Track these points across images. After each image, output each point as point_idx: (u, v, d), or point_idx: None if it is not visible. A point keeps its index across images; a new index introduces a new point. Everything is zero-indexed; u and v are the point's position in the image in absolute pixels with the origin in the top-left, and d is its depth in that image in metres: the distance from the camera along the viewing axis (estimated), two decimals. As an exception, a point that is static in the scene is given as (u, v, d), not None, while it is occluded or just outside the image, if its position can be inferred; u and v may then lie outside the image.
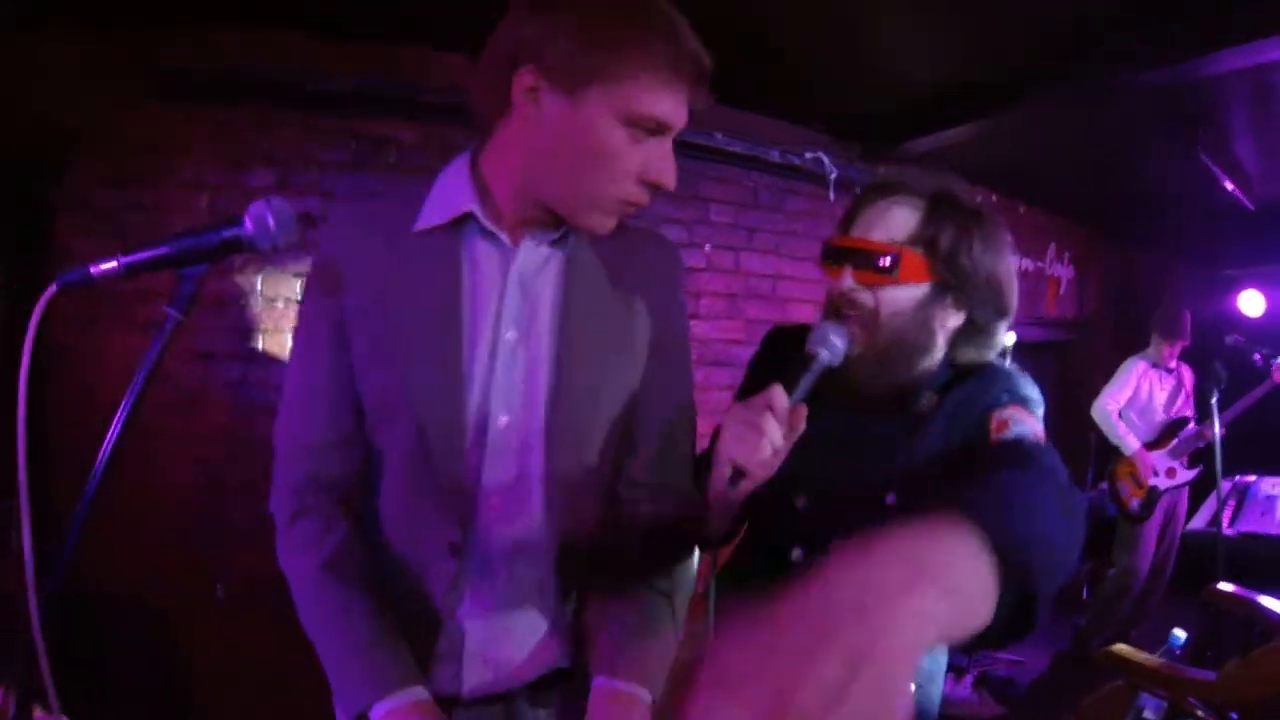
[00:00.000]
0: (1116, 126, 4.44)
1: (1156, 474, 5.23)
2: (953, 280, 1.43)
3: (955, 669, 4.76)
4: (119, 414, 1.05)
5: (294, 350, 1.35)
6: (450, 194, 1.29)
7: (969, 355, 1.52)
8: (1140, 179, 5.58)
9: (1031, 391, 1.49)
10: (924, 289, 1.43)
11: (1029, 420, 1.43)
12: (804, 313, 4.48)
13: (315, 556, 1.26)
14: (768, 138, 4.28)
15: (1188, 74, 3.39)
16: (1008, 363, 1.58)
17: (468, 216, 1.27)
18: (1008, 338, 4.63)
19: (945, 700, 4.20)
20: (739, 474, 1.24)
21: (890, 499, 1.47)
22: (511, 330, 1.28)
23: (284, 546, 1.29)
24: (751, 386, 1.53)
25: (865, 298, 1.42)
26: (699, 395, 1.51)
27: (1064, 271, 6.55)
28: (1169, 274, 6.47)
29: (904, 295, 1.42)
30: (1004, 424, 1.41)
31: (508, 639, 1.35)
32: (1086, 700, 3.01)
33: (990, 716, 4.35)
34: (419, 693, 1.20)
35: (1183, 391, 5.41)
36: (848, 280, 1.43)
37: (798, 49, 3.47)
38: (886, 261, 1.40)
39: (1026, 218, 6.12)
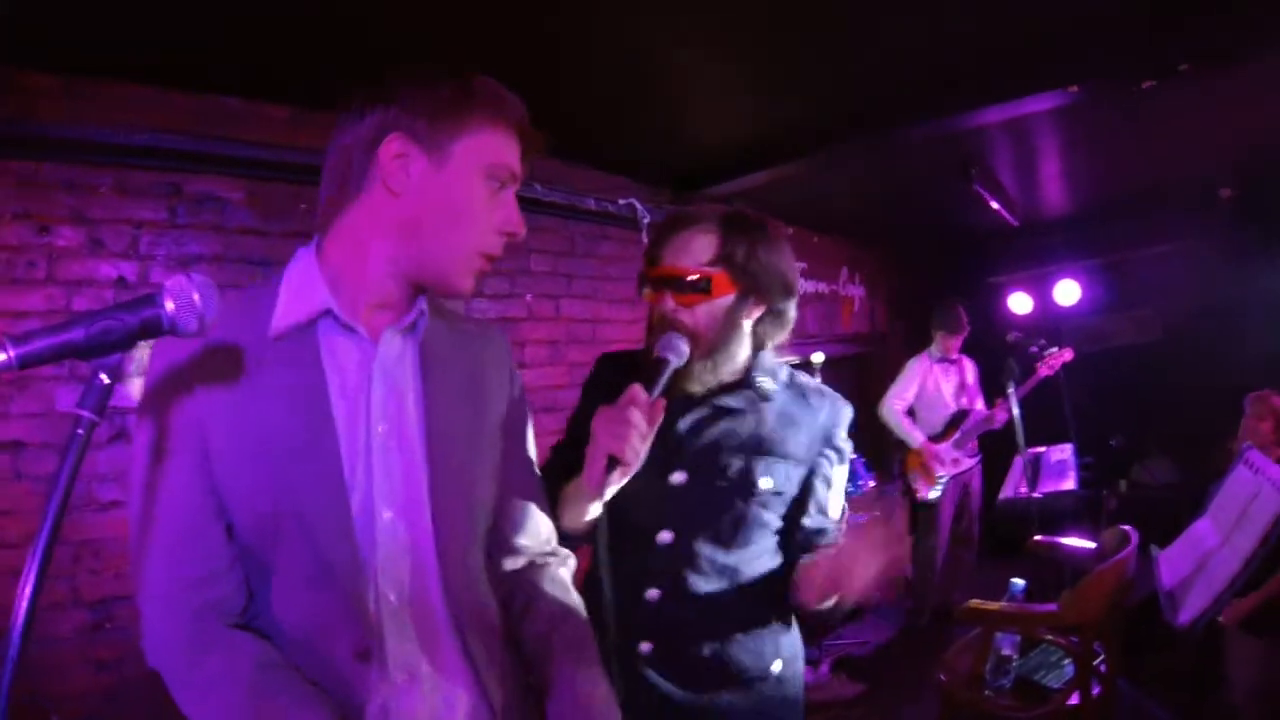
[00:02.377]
0: (899, 169, 4.90)
1: (943, 464, 5.65)
2: (752, 285, 1.69)
3: (809, 661, 4.84)
4: (39, 546, 0.87)
5: (145, 482, 1.20)
6: (302, 291, 1.25)
7: (772, 334, 1.80)
8: (920, 208, 6.08)
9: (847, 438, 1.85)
10: (731, 298, 1.68)
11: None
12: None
13: (240, 682, 1.14)
14: (583, 187, 4.36)
15: (958, 125, 3.86)
16: (817, 378, 1.94)
17: (324, 313, 1.24)
18: (815, 357, 5.04)
19: (808, 687, 4.43)
20: (614, 462, 1.45)
21: (760, 481, 1.72)
22: (382, 424, 1.25)
23: (192, 693, 1.16)
24: (588, 407, 1.70)
25: (685, 316, 1.66)
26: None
27: (856, 291, 7.00)
28: (946, 284, 7.10)
29: (717, 306, 1.68)
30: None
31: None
32: (949, 651, 3.32)
33: (854, 695, 4.56)
34: None
35: (966, 384, 5.87)
36: (669, 303, 1.68)
37: (612, 105, 3.56)
38: (700, 284, 1.66)
39: (819, 245, 6.47)
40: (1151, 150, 4.94)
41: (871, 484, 6.14)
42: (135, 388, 2.80)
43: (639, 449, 1.48)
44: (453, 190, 1.23)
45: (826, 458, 1.78)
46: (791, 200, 5.55)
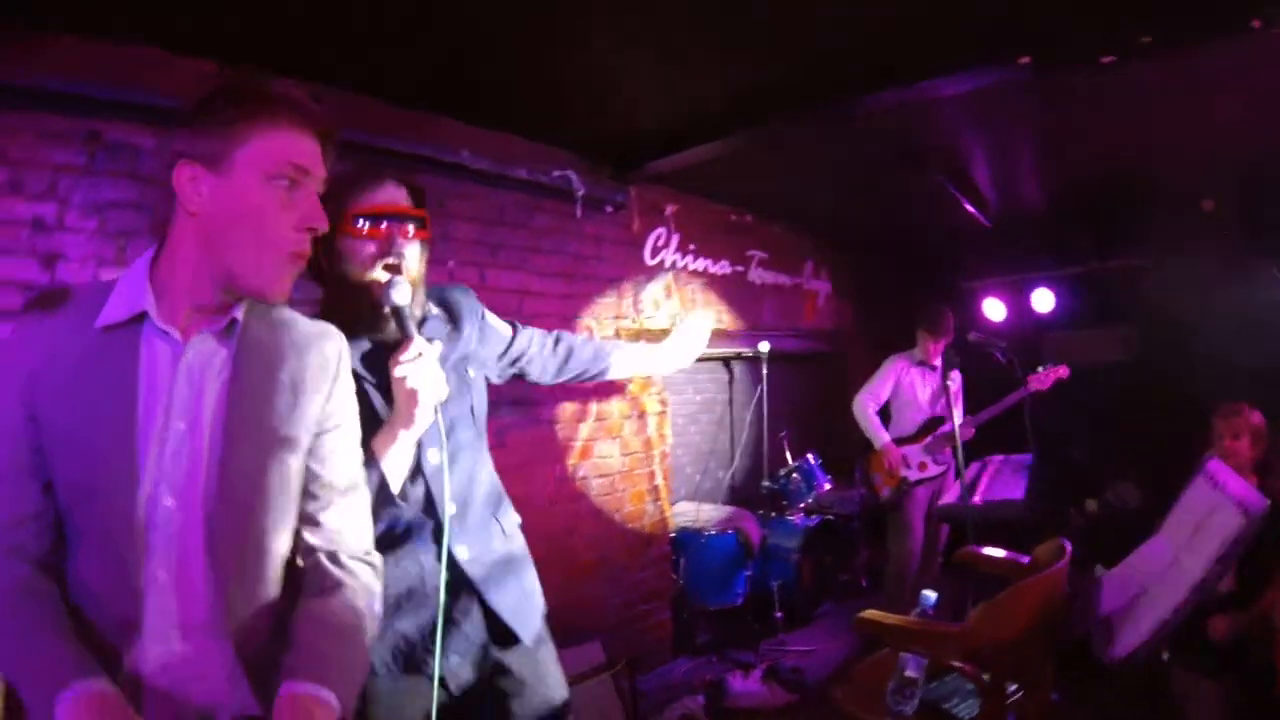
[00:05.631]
0: (856, 149, 4.40)
1: (908, 466, 5.18)
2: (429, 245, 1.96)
3: (743, 665, 4.50)
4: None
5: None
6: (129, 294, 1.33)
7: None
8: (886, 202, 5.59)
9: None
10: (425, 242, 1.94)
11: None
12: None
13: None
14: (515, 156, 4.00)
15: (906, 97, 3.38)
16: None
17: (143, 316, 1.32)
18: (762, 346, 4.58)
19: (736, 694, 4.00)
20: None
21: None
22: (180, 421, 1.32)
23: None
24: None
25: (409, 251, 1.87)
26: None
27: (821, 286, 6.50)
28: (915, 286, 6.56)
29: (422, 247, 1.92)
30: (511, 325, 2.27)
31: (188, 701, 1.32)
32: (854, 667, 2.81)
33: (781, 706, 4.10)
34: (104, 684, 1.18)
35: (950, 390, 5.32)
36: (406, 233, 1.88)
37: (547, 74, 3.34)
38: (424, 221, 1.91)
39: (780, 236, 6.03)
40: (1130, 144, 4.42)
41: (827, 486, 5.64)
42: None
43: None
44: (243, 199, 1.28)
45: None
46: (750, 185, 5.15)
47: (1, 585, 1.25)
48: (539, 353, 2.30)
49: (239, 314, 1.37)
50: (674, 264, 5.10)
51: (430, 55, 3.15)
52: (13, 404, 1.29)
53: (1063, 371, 5.12)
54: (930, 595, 2.69)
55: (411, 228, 1.85)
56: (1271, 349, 5.10)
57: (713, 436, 6.10)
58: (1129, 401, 5.89)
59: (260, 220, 1.29)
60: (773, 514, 5.43)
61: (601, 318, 4.57)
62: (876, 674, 2.66)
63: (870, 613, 2.47)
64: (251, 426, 1.36)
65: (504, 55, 3.15)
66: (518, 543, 2.12)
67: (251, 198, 1.28)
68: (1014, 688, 2.43)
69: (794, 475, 5.58)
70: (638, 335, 4.73)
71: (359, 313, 1.81)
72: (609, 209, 4.55)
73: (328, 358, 1.49)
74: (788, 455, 5.84)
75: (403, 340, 1.77)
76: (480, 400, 2.08)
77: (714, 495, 5.96)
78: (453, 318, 2.04)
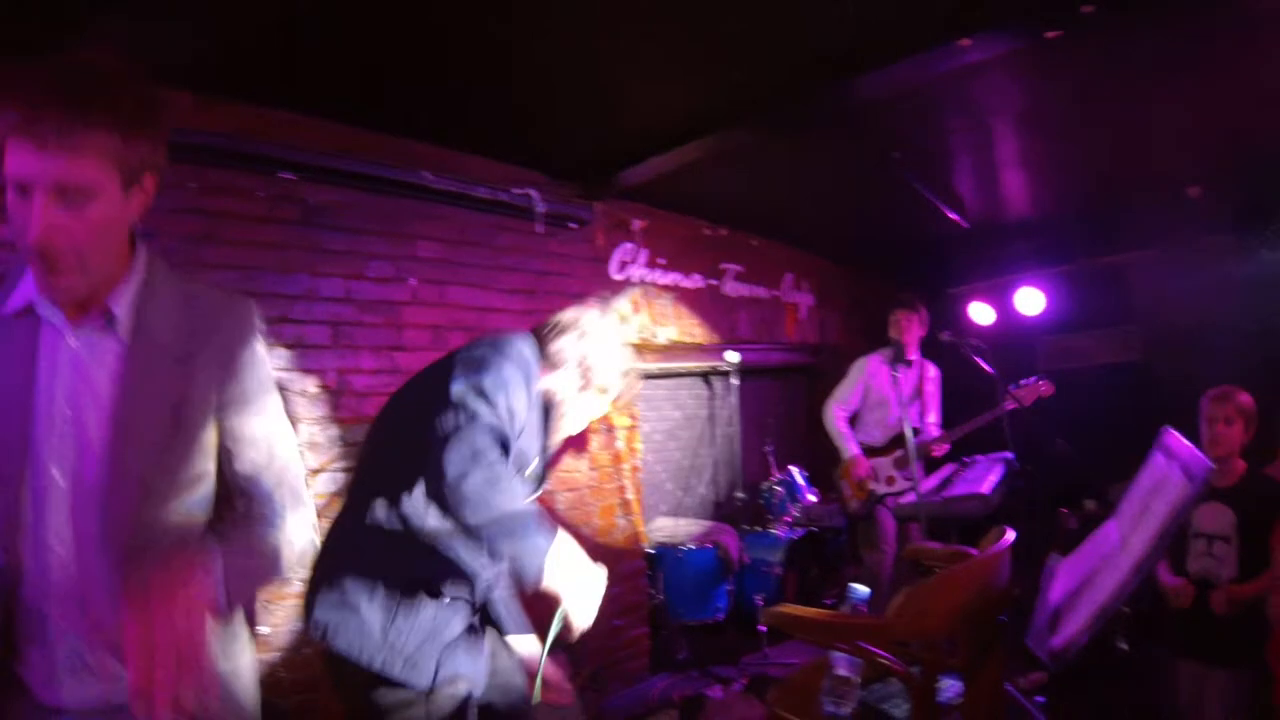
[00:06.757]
0: (824, 154, 4.37)
1: (876, 480, 5.03)
2: None
3: (723, 679, 4.41)
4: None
5: None
6: (25, 283, 1.35)
7: None
8: (864, 210, 5.52)
9: None
10: None
11: None
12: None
13: None
14: (477, 176, 4.01)
15: (854, 92, 3.31)
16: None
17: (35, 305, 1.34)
18: (729, 355, 4.42)
19: (715, 707, 3.87)
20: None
21: None
22: (67, 407, 1.33)
23: None
24: None
25: None
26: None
27: (803, 298, 6.42)
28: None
29: None
30: None
31: (97, 663, 1.37)
32: (789, 675, 2.65)
33: (758, 717, 3.93)
34: None
35: (922, 392, 5.11)
36: None
37: (509, 95, 3.37)
38: None
39: (758, 249, 5.98)
40: (1103, 140, 4.28)
41: (813, 499, 5.46)
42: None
43: None
44: None
45: None
46: (718, 198, 5.15)
47: None
48: None
49: (117, 307, 1.36)
50: (642, 279, 5.06)
51: (393, 80, 3.20)
52: None
53: (1045, 388, 4.74)
54: (860, 589, 2.55)
55: None
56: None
57: (693, 452, 6.00)
58: (1131, 401, 5.66)
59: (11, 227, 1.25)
60: (756, 528, 5.32)
61: (566, 333, 4.49)
62: (813, 677, 2.50)
63: (783, 606, 2.31)
64: (144, 412, 1.37)
65: (466, 76, 3.16)
66: None
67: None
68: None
69: (776, 489, 5.46)
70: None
71: None
72: (572, 225, 4.53)
73: (235, 334, 1.48)
74: (773, 469, 5.71)
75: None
76: None
77: (697, 511, 5.84)
78: None
